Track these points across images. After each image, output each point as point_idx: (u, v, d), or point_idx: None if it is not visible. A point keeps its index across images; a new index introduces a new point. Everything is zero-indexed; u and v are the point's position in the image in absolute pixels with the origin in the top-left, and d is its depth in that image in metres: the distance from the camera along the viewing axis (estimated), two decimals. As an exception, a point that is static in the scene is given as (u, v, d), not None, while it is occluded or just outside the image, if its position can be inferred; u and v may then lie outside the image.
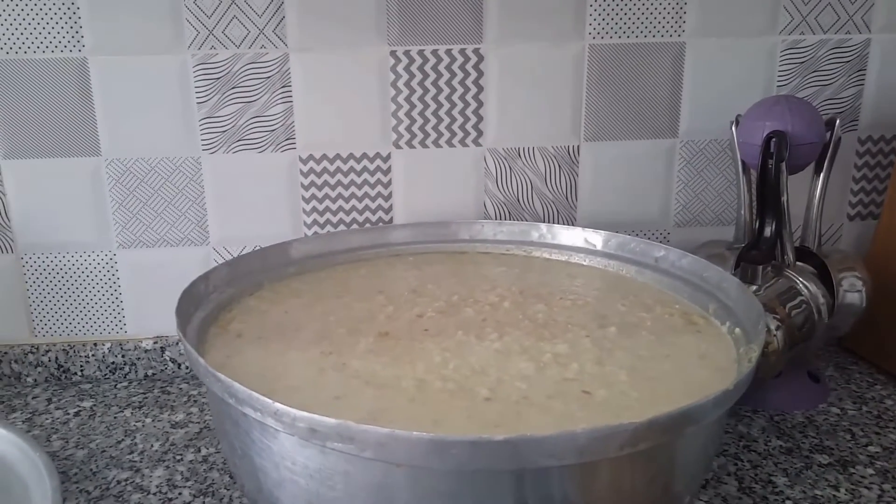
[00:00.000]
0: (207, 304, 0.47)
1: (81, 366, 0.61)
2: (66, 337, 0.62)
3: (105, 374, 0.62)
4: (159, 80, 0.57)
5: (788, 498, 0.44)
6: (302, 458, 0.33)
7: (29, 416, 0.56)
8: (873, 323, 0.55)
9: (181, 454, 0.51)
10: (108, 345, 0.62)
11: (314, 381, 0.39)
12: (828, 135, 0.53)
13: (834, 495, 0.44)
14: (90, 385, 0.61)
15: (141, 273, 0.61)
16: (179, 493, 0.46)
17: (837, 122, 0.52)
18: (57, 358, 0.61)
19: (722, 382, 0.38)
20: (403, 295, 0.50)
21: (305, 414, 0.31)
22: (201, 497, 0.46)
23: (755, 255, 0.53)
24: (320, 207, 0.61)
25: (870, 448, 0.49)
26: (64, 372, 0.62)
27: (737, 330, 0.43)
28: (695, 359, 0.41)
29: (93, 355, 0.62)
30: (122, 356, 0.62)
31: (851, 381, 0.58)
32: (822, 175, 0.54)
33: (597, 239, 0.56)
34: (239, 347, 0.43)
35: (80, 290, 0.61)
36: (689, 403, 0.31)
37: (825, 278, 0.53)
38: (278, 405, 0.32)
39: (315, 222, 0.61)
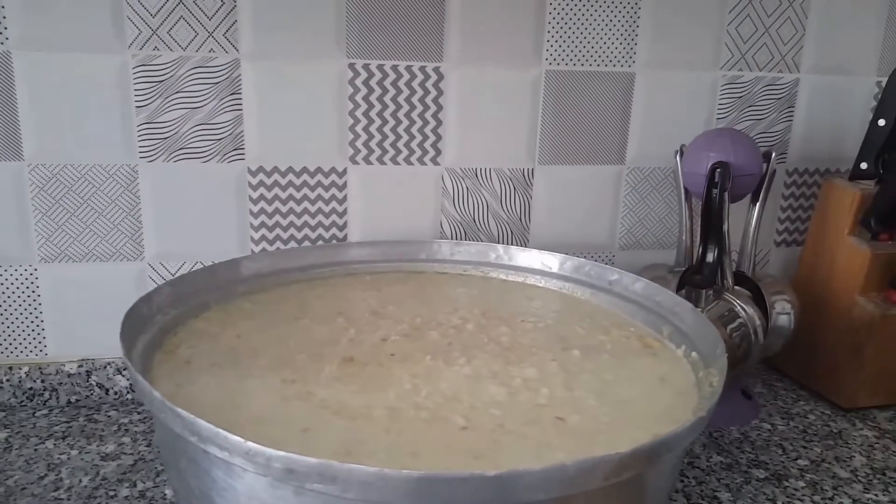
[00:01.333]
0: (151, 327, 0.44)
1: (-7, 391, 0.56)
2: (-25, 359, 0.56)
3: (21, 402, 0.57)
4: (94, 81, 0.52)
5: (735, 514, 0.46)
6: (271, 499, 0.31)
7: (-69, 448, 0.50)
8: (797, 343, 0.59)
9: (114, 489, 0.47)
10: (26, 369, 0.56)
11: (278, 413, 0.37)
12: (764, 166, 0.56)
13: (773, 509, 0.47)
14: (4, 413, 0.56)
15: (65, 289, 0.56)
16: (117, 533, 0.43)
17: (773, 154, 0.56)
18: (-37, 383, 0.55)
19: (684, 406, 0.40)
20: (364, 317, 0.49)
21: (282, 453, 0.29)
22: (143, 536, 0.42)
23: (699, 279, 0.56)
24: (269, 223, 0.58)
25: (799, 462, 0.52)
26: (-29, 398, 0.55)
27: (693, 354, 0.45)
28: (656, 382, 0.43)
29: (7, 380, 0.56)
30: (42, 381, 0.56)
31: (778, 397, 0.62)
32: (758, 204, 0.57)
33: (553, 261, 0.56)
34: (189, 375, 0.41)
35: (-9, 306, 0.55)
36: (668, 432, 0.32)
37: (759, 301, 0.57)
38: (251, 444, 0.30)
39: (263, 238, 0.58)
